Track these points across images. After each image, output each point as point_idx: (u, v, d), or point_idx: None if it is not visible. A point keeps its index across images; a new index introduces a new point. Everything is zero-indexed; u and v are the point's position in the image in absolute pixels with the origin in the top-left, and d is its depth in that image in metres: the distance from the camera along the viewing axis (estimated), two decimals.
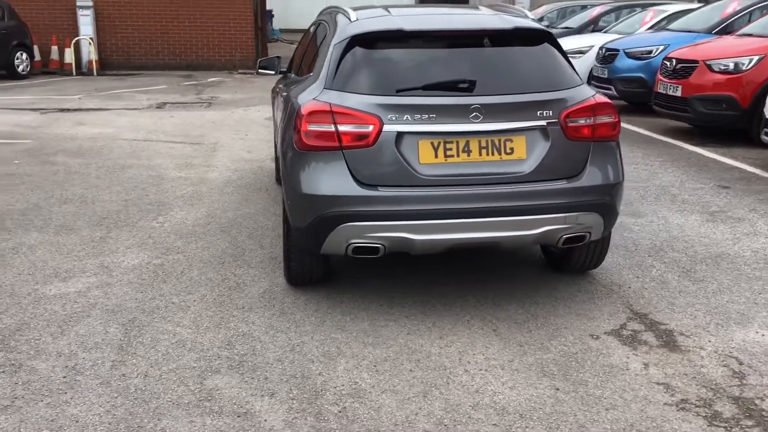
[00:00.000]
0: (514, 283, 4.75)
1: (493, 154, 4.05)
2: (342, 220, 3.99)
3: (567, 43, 13.63)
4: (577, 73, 4.44)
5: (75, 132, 10.27)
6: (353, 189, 3.98)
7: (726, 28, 10.65)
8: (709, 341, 3.98)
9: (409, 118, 3.96)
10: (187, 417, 3.24)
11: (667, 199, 6.71)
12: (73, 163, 8.26)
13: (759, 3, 10.78)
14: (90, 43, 18.38)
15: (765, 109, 7.81)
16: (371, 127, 3.96)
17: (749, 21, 10.43)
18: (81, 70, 18.41)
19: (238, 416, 3.25)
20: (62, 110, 12.28)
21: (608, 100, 4.33)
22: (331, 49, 4.39)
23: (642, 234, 5.75)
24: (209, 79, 17.40)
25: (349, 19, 4.55)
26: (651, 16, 13.60)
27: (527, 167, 4.07)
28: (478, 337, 4.02)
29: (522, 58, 4.39)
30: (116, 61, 19.27)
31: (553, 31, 15.88)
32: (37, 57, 18.06)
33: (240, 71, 19.01)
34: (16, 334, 4.03)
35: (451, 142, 4.00)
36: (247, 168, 8.09)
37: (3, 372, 3.61)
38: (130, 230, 5.89)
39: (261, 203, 6.63)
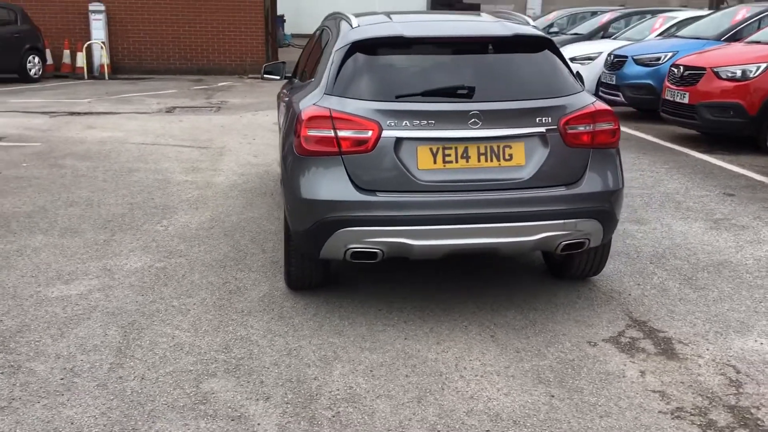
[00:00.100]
0: (514, 290, 4.75)
1: (491, 160, 4.05)
2: (340, 225, 4.00)
3: (576, 49, 13.67)
4: (577, 80, 4.44)
5: (84, 135, 10.34)
6: (352, 194, 4.00)
7: (735, 35, 10.62)
8: (708, 349, 3.97)
9: (408, 123, 3.98)
10: (181, 420, 3.26)
11: (671, 207, 6.69)
12: (80, 167, 8.32)
13: None
14: (102, 47, 18.53)
15: None
16: (370, 133, 3.97)
17: (758, 28, 10.39)
18: (93, 73, 18.56)
19: (232, 420, 3.27)
20: (72, 114, 12.37)
21: (608, 107, 4.32)
22: (332, 54, 4.42)
23: (645, 241, 5.74)
24: (219, 84, 17.49)
25: (351, 25, 4.57)
26: (661, 22, 13.57)
27: (526, 173, 4.08)
28: (476, 343, 4.02)
29: (522, 64, 4.40)
30: (128, 65, 19.41)
31: (563, 37, 16.03)
32: (50, 61, 18.21)
33: (250, 76, 19.10)
34: (17, 336, 4.06)
35: (450, 148, 4.01)
36: (253, 172, 8.12)
37: (2, 373, 3.65)
38: (134, 233, 5.92)
39: (265, 207, 6.66)
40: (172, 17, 19.38)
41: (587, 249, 4.35)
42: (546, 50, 4.42)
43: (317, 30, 5.91)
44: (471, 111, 3.99)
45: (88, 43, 18.48)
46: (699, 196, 7.07)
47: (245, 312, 4.40)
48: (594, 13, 17.67)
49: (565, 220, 4.10)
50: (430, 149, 4.00)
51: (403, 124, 3.98)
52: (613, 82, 11.63)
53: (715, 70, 8.79)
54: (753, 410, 3.37)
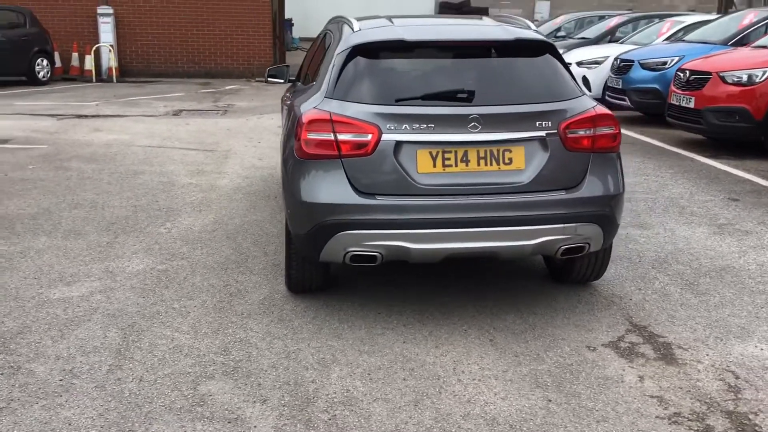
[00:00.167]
0: (514, 294, 4.74)
1: (491, 164, 4.05)
2: (340, 228, 4.01)
3: (583, 53, 13.65)
4: (578, 85, 4.43)
5: (91, 138, 10.39)
6: (351, 197, 4.01)
7: (742, 39, 10.59)
8: (707, 355, 3.95)
9: (408, 127, 3.98)
10: (178, 422, 3.27)
11: (675, 211, 6.67)
12: (86, 169, 8.36)
13: None
14: (110, 51, 18.60)
15: None
16: (370, 136, 3.98)
17: (765, 33, 10.35)
18: (101, 76, 18.63)
19: (229, 422, 3.27)
20: (79, 116, 12.42)
21: (608, 111, 4.31)
22: (333, 58, 4.43)
23: (647, 246, 5.72)
24: (227, 87, 17.54)
25: (352, 29, 4.58)
26: (668, 27, 13.55)
27: (526, 177, 4.07)
28: (474, 346, 4.02)
29: (522, 69, 4.39)
30: (136, 69, 19.48)
31: (570, 41, 16.01)
32: (58, 63, 18.29)
33: (257, 79, 19.12)
34: (18, 337, 4.08)
35: (450, 152, 4.01)
36: (257, 175, 8.14)
37: (1, 374, 3.66)
38: (137, 236, 5.94)
39: (268, 210, 6.67)
40: (180, 21, 19.45)
41: (587, 253, 4.34)
42: (547, 54, 4.42)
43: (320, 33, 5.93)
44: (471, 115, 3.99)
45: (97, 46, 18.55)
46: (703, 200, 7.04)
47: (245, 315, 4.41)
48: (601, 18, 17.66)
49: (565, 225, 4.10)
50: (430, 153, 4.00)
51: (403, 127, 3.98)
52: (620, 87, 11.62)
53: (720, 74, 8.77)
54: (751, 416, 3.36)
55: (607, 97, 12.13)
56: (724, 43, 10.68)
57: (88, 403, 3.41)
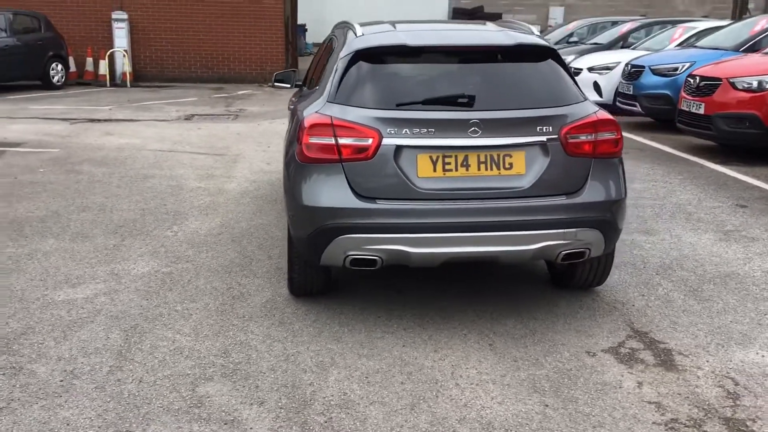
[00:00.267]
0: (516, 298, 4.74)
1: (491, 168, 4.06)
2: (340, 232, 4.03)
3: (594, 59, 13.63)
4: (581, 90, 4.43)
5: (102, 142, 10.47)
6: (351, 201, 4.02)
7: (754, 45, 10.53)
8: (707, 361, 3.94)
9: (408, 131, 4.00)
10: (175, 423, 3.30)
11: (682, 217, 6.65)
12: (96, 172, 8.43)
13: None
14: (124, 55, 18.75)
15: None
16: (370, 141, 4.00)
17: None
18: (115, 81, 18.78)
19: (225, 423, 3.30)
20: (92, 120, 12.53)
21: (610, 117, 4.31)
22: (336, 63, 4.45)
23: (652, 252, 5.70)
24: (239, 92, 17.63)
25: (355, 34, 4.61)
26: (680, 32, 13.50)
27: (526, 182, 4.08)
28: (473, 351, 4.02)
29: (524, 74, 4.40)
30: (150, 73, 19.62)
31: (582, 46, 15.98)
32: (73, 68, 18.46)
33: (270, 84, 19.20)
34: (21, 338, 4.12)
35: (450, 156, 4.02)
36: (265, 179, 8.18)
37: (3, 374, 3.71)
38: (143, 239, 5.99)
39: (274, 214, 6.70)
40: (193, 26, 19.59)
41: (589, 259, 4.34)
42: (549, 60, 4.43)
43: (326, 38, 5.96)
44: (471, 120, 4.00)
45: (111, 51, 18.71)
46: (711, 207, 7.01)
47: (247, 317, 4.44)
48: (614, 23, 17.61)
49: (565, 230, 4.09)
50: (430, 157, 4.01)
51: (403, 132, 4.00)
52: (630, 92, 11.58)
53: (731, 80, 8.73)
54: (748, 422, 3.34)
55: (618, 103, 12.10)
56: (736, 49, 10.62)
57: (87, 403, 3.44)
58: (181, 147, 10.21)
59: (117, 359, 3.89)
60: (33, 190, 7.50)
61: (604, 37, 16.29)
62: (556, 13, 30.62)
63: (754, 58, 9.42)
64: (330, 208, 4.04)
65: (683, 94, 9.52)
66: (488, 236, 4.04)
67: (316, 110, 4.24)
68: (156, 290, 4.87)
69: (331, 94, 4.27)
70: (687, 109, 9.34)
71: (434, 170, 4.02)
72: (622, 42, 15.39)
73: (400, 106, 4.12)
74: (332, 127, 4.05)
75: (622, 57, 13.07)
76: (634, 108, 11.58)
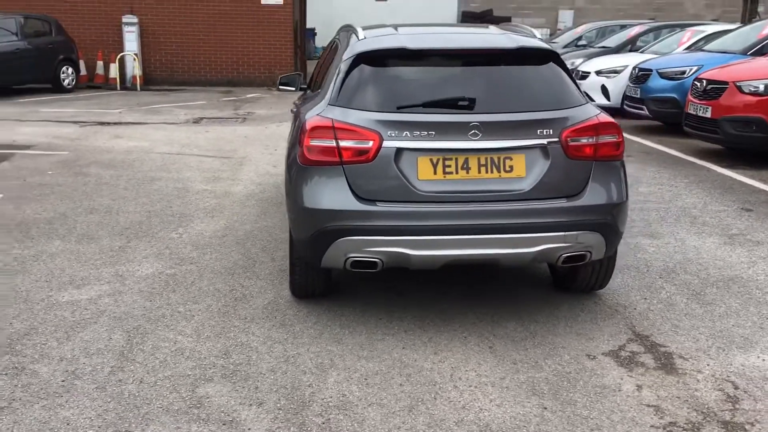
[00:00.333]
0: (517, 301, 4.75)
1: (492, 171, 4.07)
2: (340, 234, 4.04)
3: (602, 62, 13.62)
4: (582, 93, 4.43)
5: (111, 145, 10.53)
6: (352, 204, 4.04)
7: (762, 49, 10.48)
8: (708, 365, 3.93)
9: (409, 134, 4.01)
10: (174, 423, 3.32)
11: (687, 221, 6.63)
12: (104, 175, 8.48)
13: None
14: (134, 59, 18.84)
15: None
16: (371, 143, 4.01)
17: None
18: (125, 84, 18.87)
19: (224, 424, 3.32)
20: (101, 123, 12.60)
21: (612, 120, 4.31)
22: (338, 66, 4.48)
23: (656, 255, 5.69)
24: (248, 95, 17.69)
25: (357, 37, 4.63)
26: (689, 36, 13.46)
27: (526, 185, 4.08)
28: (473, 353, 4.03)
29: (525, 77, 4.41)
30: (159, 77, 19.73)
31: (591, 50, 15.96)
32: (83, 71, 18.57)
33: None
34: (24, 339, 4.16)
35: (450, 159, 4.04)
36: (271, 182, 8.21)
37: (5, 374, 3.74)
38: (149, 240, 6.02)
39: (279, 216, 6.73)
40: (203, 30, 19.68)
41: (590, 262, 4.34)
42: (550, 63, 4.43)
43: (330, 42, 5.99)
44: (471, 122, 4.01)
45: (121, 54, 18.82)
46: (716, 210, 6.99)
47: (248, 319, 4.46)
48: (623, 27, 17.57)
49: (566, 233, 4.10)
50: (431, 160, 4.03)
51: (404, 134, 4.01)
52: (638, 96, 11.55)
53: (737, 84, 8.70)
54: (747, 426, 3.33)
55: (625, 106, 12.08)
56: (744, 52, 10.58)
57: (87, 403, 3.47)
58: (188, 150, 10.26)
59: (119, 360, 3.92)
60: (41, 192, 7.55)
61: (612, 41, 16.27)
62: (566, 17, 30.57)
63: (761, 61, 9.38)
64: (330, 210, 4.06)
65: (690, 97, 9.50)
66: (488, 239, 4.05)
67: (317, 113, 4.26)
68: (159, 291, 4.90)
69: (332, 97, 4.29)
70: (694, 113, 9.32)
71: (434, 173, 4.03)
72: (630, 45, 15.36)
73: (400, 108, 4.13)
74: (333, 130, 4.07)
75: (629, 60, 13.05)
76: (642, 111, 11.55)
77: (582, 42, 17.78)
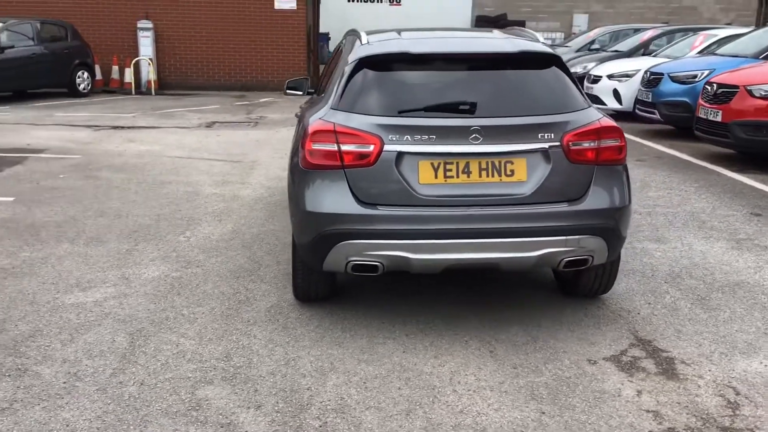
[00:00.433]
0: (520, 306, 4.74)
1: (493, 175, 4.07)
2: (342, 237, 4.06)
3: (614, 66, 13.57)
4: (585, 97, 4.42)
5: (123, 149, 10.62)
6: (353, 207, 4.05)
7: None
8: (710, 370, 3.90)
9: (410, 138, 4.02)
10: (172, 425, 3.34)
11: (694, 226, 6.59)
12: (115, 178, 8.55)
13: None
14: (149, 64, 18.99)
15: None
16: (372, 147, 4.03)
17: None
18: (140, 89, 19.02)
19: (222, 426, 3.33)
20: (115, 127, 12.70)
21: (614, 124, 4.30)
22: (342, 70, 4.50)
23: (662, 260, 5.66)
24: (261, 100, 17.78)
25: (361, 42, 4.65)
26: (701, 40, 13.39)
27: (527, 189, 4.08)
28: (473, 357, 4.02)
29: (527, 81, 4.41)
30: (174, 81, 19.86)
31: (603, 54, 15.90)
32: (99, 76, 18.75)
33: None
34: (28, 340, 4.20)
35: (451, 163, 4.04)
36: (280, 186, 8.24)
37: (8, 376, 3.78)
38: (156, 244, 6.07)
39: (286, 220, 6.72)
40: (217, 35, 19.80)
41: (592, 266, 4.32)
42: (553, 67, 4.43)
43: (337, 46, 6.02)
44: (472, 126, 4.02)
45: (136, 59, 18.96)
46: (725, 215, 6.94)
47: (251, 322, 4.48)
48: (636, 31, 17.52)
49: (567, 237, 4.09)
50: (432, 164, 4.03)
51: (405, 138, 4.02)
52: (649, 100, 11.50)
53: (748, 88, 8.64)
54: None
55: (637, 110, 12.04)
56: (756, 56, 10.52)
57: (87, 405, 3.50)
58: (199, 154, 10.32)
59: (120, 362, 3.95)
60: (52, 196, 7.63)
61: (625, 45, 16.21)
62: (580, 21, 30.47)
63: None
64: (332, 214, 4.08)
65: (701, 101, 9.45)
66: (489, 243, 4.05)
67: (320, 117, 4.28)
68: (164, 294, 4.93)
69: (335, 101, 4.31)
70: (704, 117, 9.26)
71: (435, 177, 4.04)
72: (643, 49, 15.30)
73: (402, 112, 4.15)
74: (335, 134, 4.09)
75: (641, 64, 12.99)
76: (653, 115, 11.50)
77: (595, 46, 17.74)
